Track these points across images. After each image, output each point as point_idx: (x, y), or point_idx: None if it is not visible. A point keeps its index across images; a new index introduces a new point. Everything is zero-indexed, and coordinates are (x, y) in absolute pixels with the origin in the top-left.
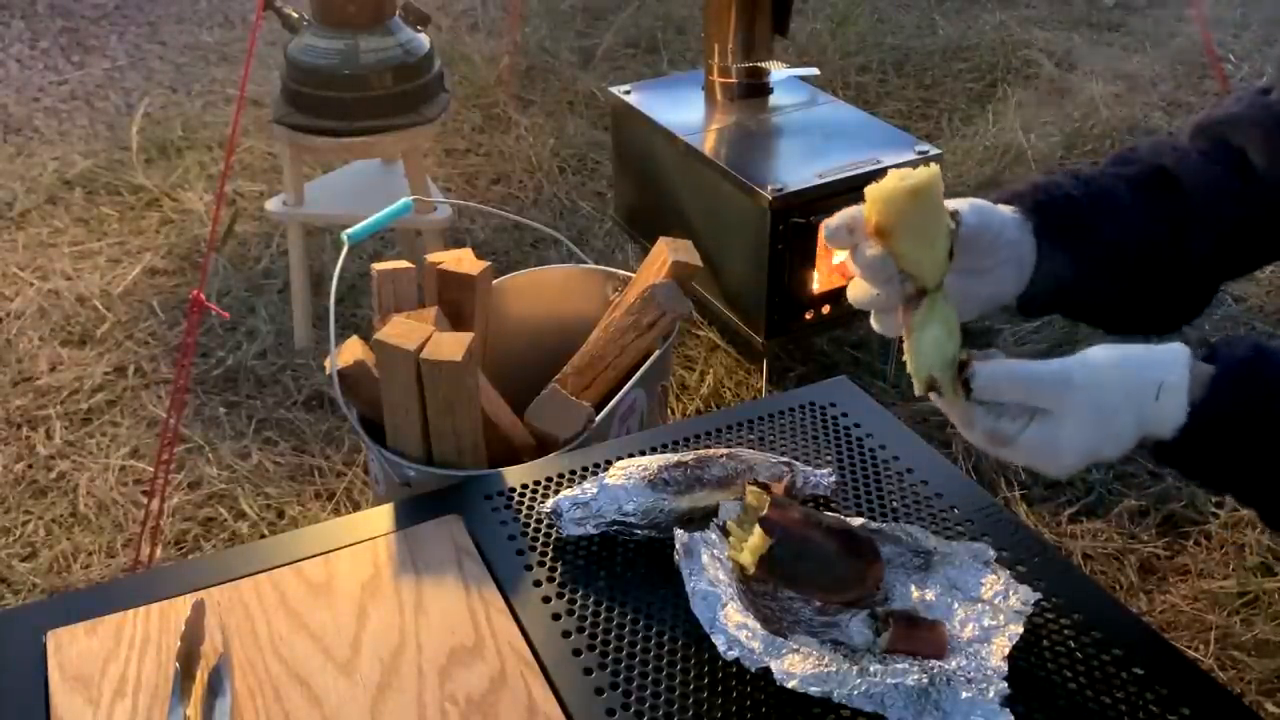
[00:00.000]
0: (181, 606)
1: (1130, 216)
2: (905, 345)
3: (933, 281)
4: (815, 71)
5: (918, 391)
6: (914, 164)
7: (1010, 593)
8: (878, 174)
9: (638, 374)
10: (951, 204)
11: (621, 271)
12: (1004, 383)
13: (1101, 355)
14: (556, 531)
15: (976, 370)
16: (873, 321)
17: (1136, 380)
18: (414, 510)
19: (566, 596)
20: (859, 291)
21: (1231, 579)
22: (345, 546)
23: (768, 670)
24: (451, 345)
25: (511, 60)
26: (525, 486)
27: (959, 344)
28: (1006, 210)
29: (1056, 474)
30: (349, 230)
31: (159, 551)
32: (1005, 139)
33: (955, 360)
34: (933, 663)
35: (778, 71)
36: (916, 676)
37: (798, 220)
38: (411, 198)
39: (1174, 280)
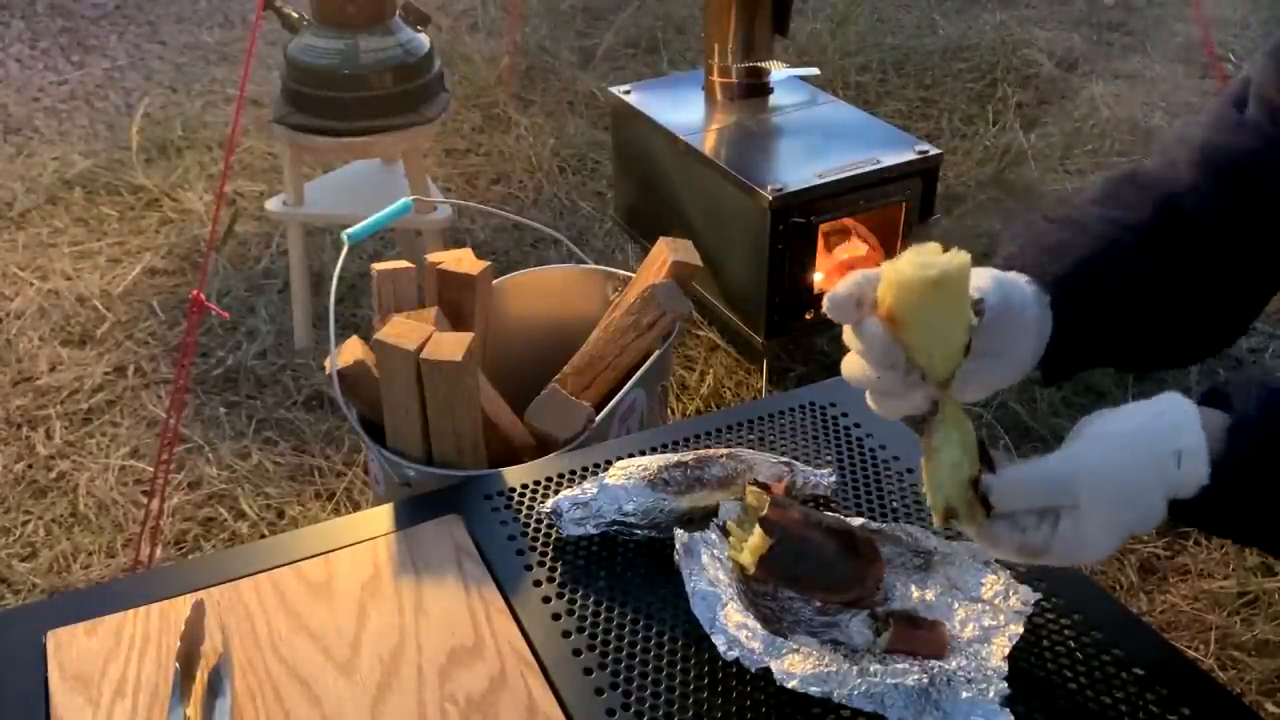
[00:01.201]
0: (181, 606)
1: (1146, 273)
2: (924, 471)
3: (942, 376)
4: (815, 71)
5: (936, 523)
6: (914, 163)
7: (1010, 593)
8: (877, 174)
9: (638, 374)
10: (975, 285)
11: (621, 271)
12: (1021, 493)
13: (1109, 433)
14: (556, 531)
15: (992, 486)
16: (869, 401)
17: (1154, 454)
18: (414, 510)
19: (566, 596)
20: (855, 370)
21: (1231, 579)
22: (345, 546)
23: (768, 670)
24: (451, 345)
25: (511, 60)
26: (525, 486)
27: (975, 461)
28: (1023, 282)
29: (1095, 560)
30: (349, 230)
31: (159, 551)
32: (1005, 139)
33: (970, 480)
34: (933, 663)
35: (778, 71)
36: (916, 676)
37: (798, 220)
38: (411, 198)
39: (1198, 324)
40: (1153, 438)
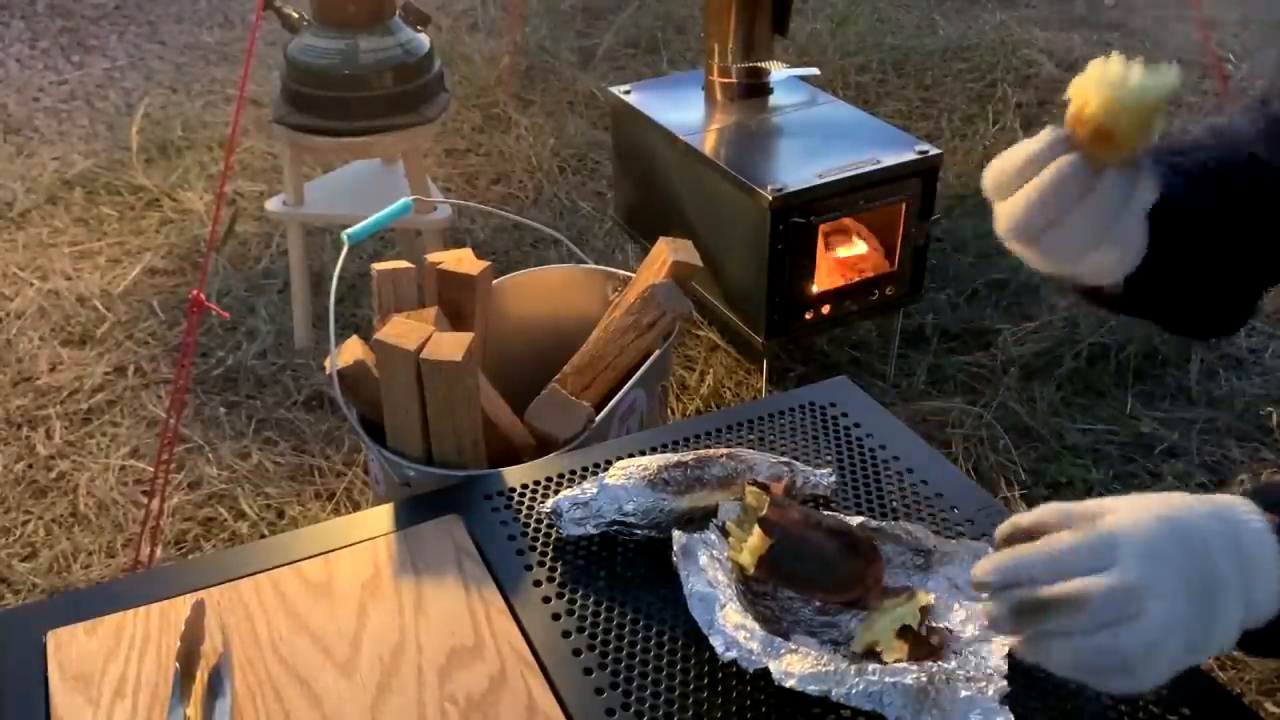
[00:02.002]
0: (181, 606)
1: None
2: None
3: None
4: (815, 71)
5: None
6: (914, 163)
7: None
8: (877, 174)
9: (638, 374)
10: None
11: (621, 271)
12: (1052, 513)
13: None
14: (556, 531)
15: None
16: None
17: (1227, 556)
18: (414, 510)
19: (566, 596)
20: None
21: None
22: (345, 546)
23: (766, 670)
24: (451, 345)
25: (511, 60)
26: (525, 486)
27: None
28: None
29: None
30: (349, 230)
31: (159, 551)
32: (1005, 139)
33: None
34: (932, 662)
35: (778, 71)
36: (915, 675)
37: (798, 220)
38: (411, 198)
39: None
40: (1221, 538)
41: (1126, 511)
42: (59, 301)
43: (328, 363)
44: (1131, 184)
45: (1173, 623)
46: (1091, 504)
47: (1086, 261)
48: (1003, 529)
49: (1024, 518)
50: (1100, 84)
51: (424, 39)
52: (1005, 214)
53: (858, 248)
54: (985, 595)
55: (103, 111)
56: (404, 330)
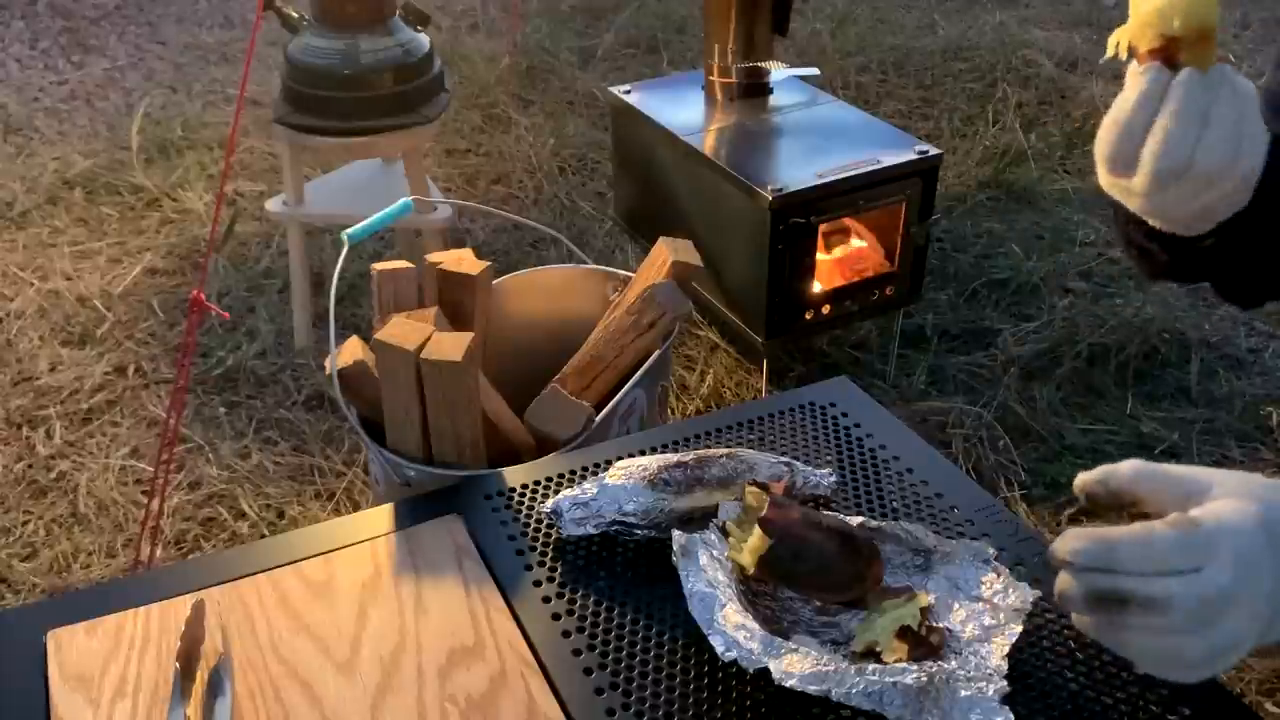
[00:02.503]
0: (181, 606)
1: None
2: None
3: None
4: (815, 71)
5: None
6: (914, 163)
7: (1010, 591)
8: (877, 174)
9: (638, 374)
10: None
11: (621, 271)
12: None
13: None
14: (556, 531)
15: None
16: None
17: None
18: (414, 510)
19: (566, 596)
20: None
21: None
22: (345, 546)
23: (766, 670)
24: (451, 345)
25: (511, 60)
26: (525, 486)
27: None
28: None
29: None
30: (349, 230)
31: (159, 551)
32: (1005, 139)
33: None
34: (932, 662)
35: (778, 71)
36: (915, 675)
37: (798, 220)
38: (411, 198)
39: None
40: None
41: (1230, 506)
42: (59, 301)
43: (328, 363)
44: (1224, 77)
45: (1250, 631)
46: (1191, 477)
47: (1218, 178)
48: (1088, 481)
49: (1116, 478)
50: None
51: (424, 39)
52: (1100, 143)
53: (857, 248)
54: (1059, 568)
55: (103, 111)
56: (404, 330)
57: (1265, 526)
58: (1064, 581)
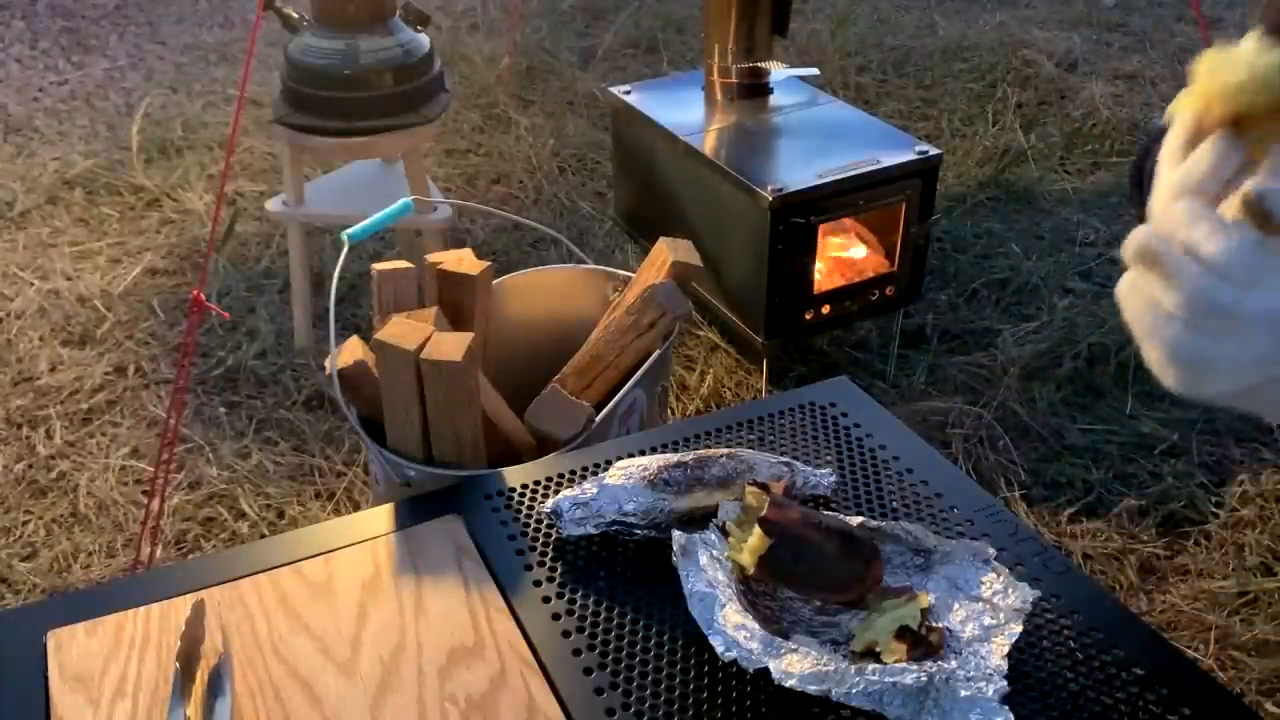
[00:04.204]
0: (181, 606)
1: None
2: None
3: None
4: (815, 71)
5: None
6: (914, 164)
7: (1010, 591)
8: (877, 174)
9: (638, 374)
10: None
11: (621, 271)
12: None
13: None
14: (556, 531)
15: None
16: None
17: None
18: (414, 510)
19: (566, 596)
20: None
21: (1231, 579)
22: (345, 546)
23: (766, 670)
24: (451, 345)
25: (511, 60)
26: (525, 486)
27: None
28: None
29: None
30: (349, 230)
31: (159, 551)
32: (1005, 139)
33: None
34: (932, 662)
35: (778, 71)
36: (915, 675)
37: (798, 220)
38: (411, 198)
39: None
40: None
41: None
42: (59, 301)
43: (328, 363)
44: None
45: (1240, 373)
46: None
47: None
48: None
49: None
50: (1221, 74)
51: (424, 39)
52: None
53: (858, 248)
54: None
55: (103, 111)
56: (404, 330)
57: None
58: (1134, 232)
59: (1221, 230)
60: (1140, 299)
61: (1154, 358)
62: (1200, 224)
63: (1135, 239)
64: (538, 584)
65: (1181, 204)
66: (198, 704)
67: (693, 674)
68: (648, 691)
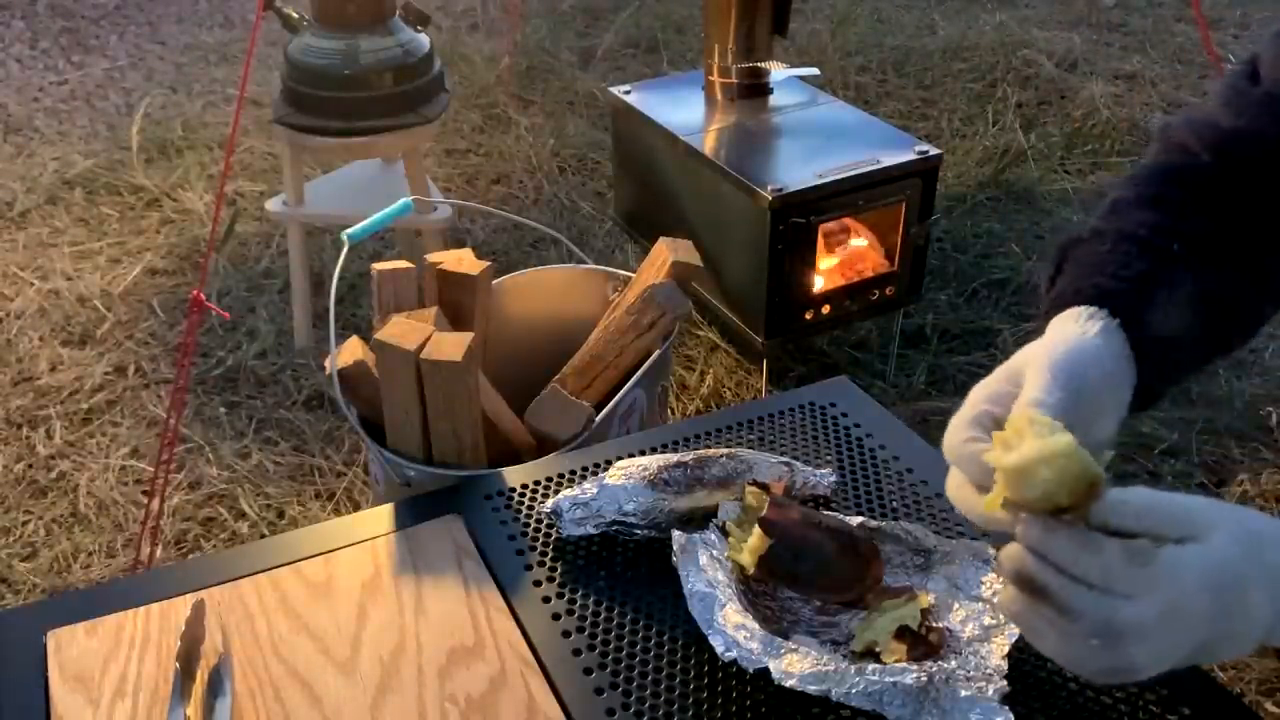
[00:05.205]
0: (181, 606)
1: (1212, 281)
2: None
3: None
4: (815, 71)
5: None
6: (914, 164)
7: None
8: (877, 174)
9: (638, 374)
10: (1038, 390)
11: (621, 271)
12: (1133, 507)
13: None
14: (556, 531)
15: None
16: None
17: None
18: (414, 510)
19: (566, 596)
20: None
21: None
22: (345, 546)
23: (766, 670)
24: (451, 345)
25: (511, 60)
26: (525, 486)
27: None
28: (1091, 335)
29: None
30: (349, 230)
31: (159, 551)
32: (1005, 139)
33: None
34: (932, 662)
35: (778, 71)
36: (915, 675)
37: (798, 220)
38: (411, 198)
39: (1253, 305)
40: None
41: (1208, 557)
42: (59, 301)
43: (328, 363)
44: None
45: (1157, 663)
46: (1199, 513)
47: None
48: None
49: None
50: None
51: (424, 39)
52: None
53: (857, 248)
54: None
55: (103, 111)
56: (404, 330)
57: (1218, 587)
58: (1005, 551)
59: (1091, 547)
60: (1038, 622)
61: (1075, 669)
62: (1067, 546)
63: (1012, 563)
64: (538, 584)
65: (1038, 527)
66: (198, 704)
67: (693, 674)
68: (648, 691)
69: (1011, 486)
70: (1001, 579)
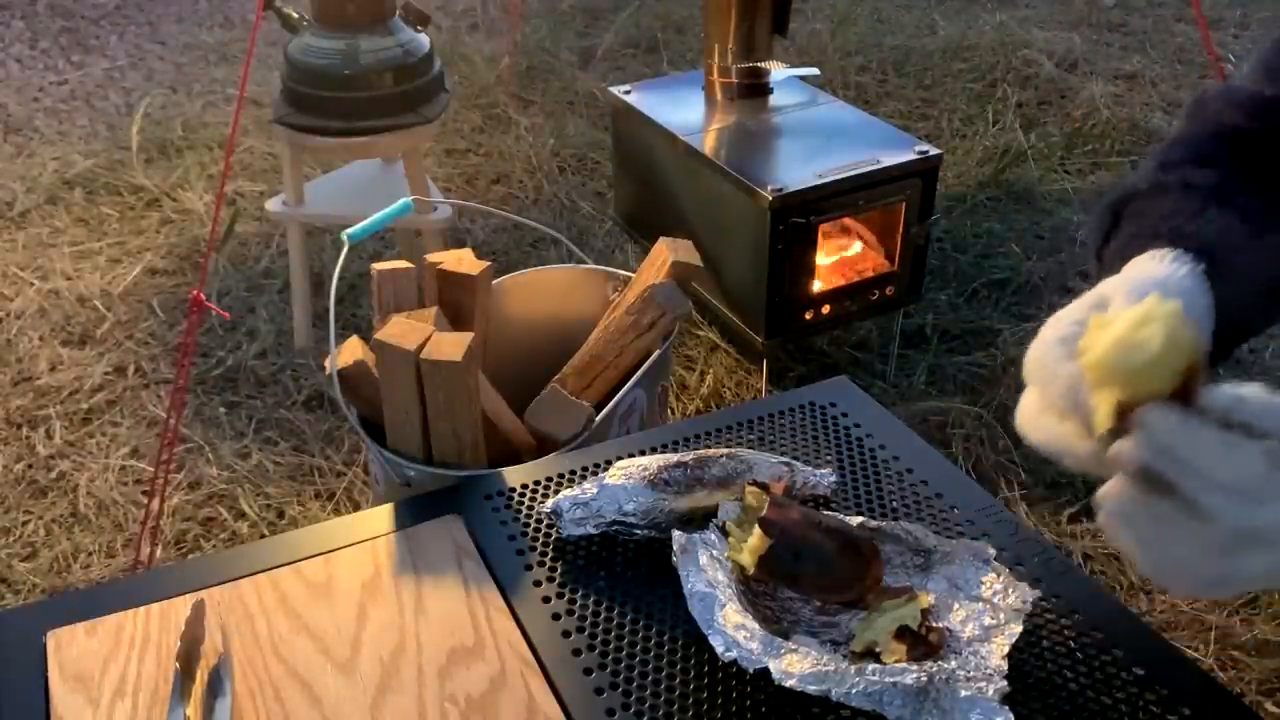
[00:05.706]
0: (181, 606)
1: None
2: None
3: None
4: (815, 71)
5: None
6: (914, 164)
7: (1010, 591)
8: (877, 174)
9: (638, 374)
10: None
11: (621, 271)
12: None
13: None
14: (556, 531)
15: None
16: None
17: None
18: (414, 510)
19: (566, 596)
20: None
21: None
22: (345, 546)
23: (766, 670)
24: (451, 345)
25: (511, 60)
26: (525, 486)
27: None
28: (1179, 273)
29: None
30: (349, 230)
31: (159, 551)
32: (1005, 139)
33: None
34: (932, 662)
35: (778, 71)
36: (915, 675)
37: (798, 220)
38: (411, 198)
39: None
40: None
41: None
42: (59, 301)
43: (328, 363)
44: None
45: (1268, 579)
46: None
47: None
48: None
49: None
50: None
51: (424, 39)
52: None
53: (857, 248)
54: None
55: (103, 111)
56: (404, 330)
57: None
58: (1127, 443)
59: (1230, 449)
60: (1158, 525)
61: (1173, 581)
62: (1206, 445)
63: (1131, 457)
64: (538, 584)
65: (1172, 418)
66: (198, 704)
67: (693, 674)
68: (648, 691)
69: (1116, 361)
70: (1111, 475)
